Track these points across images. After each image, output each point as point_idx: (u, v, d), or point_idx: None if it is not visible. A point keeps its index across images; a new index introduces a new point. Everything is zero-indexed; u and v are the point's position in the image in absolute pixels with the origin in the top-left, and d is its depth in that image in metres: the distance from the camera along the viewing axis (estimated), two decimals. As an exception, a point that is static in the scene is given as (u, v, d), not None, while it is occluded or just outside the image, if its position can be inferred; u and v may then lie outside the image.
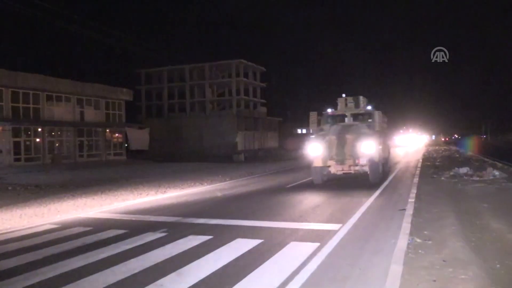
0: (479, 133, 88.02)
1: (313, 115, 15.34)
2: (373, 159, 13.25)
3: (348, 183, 14.18)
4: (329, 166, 13.80)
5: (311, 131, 15.74)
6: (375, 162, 13.35)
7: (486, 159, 24.31)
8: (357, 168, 13.60)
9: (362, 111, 15.58)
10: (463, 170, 16.31)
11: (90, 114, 35.02)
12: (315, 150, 13.71)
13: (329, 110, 15.90)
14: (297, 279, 4.70)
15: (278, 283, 4.59)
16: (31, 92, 29.66)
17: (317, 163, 13.66)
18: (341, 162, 13.55)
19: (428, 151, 41.53)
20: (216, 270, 5.11)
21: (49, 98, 31.37)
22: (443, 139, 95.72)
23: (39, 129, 30.21)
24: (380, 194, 11.62)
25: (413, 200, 9.89)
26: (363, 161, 13.26)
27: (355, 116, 15.56)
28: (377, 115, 14.62)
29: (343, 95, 16.00)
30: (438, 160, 25.39)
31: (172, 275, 4.99)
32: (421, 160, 25.20)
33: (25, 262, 5.77)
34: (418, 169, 19.00)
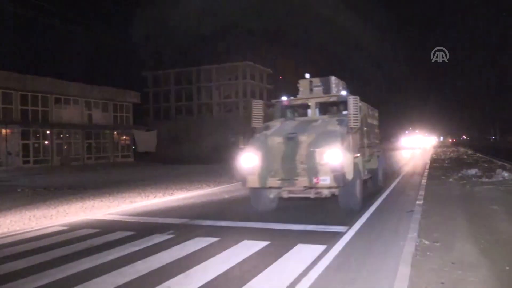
0: (488, 134, 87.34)
1: (257, 106, 10.27)
2: (342, 175, 7.91)
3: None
4: (271, 188, 8.82)
5: (253, 131, 9.95)
6: (346, 180, 8.07)
7: (495, 161, 24.09)
8: (318, 191, 8.65)
9: (333, 99, 10.18)
10: (472, 171, 16.18)
11: (98, 117, 35.30)
12: (248, 162, 8.64)
13: (283, 98, 10.53)
14: (304, 281, 4.69)
15: (285, 285, 4.57)
16: (40, 95, 29.98)
17: (252, 182, 8.63)
18: (289, 181, 8.33)
19: (436, 152, 41.27)
20: (223, 272, 5.12)
21: (57, 101, 31.68)
22: (450, 140, 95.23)
23: (48, 132, 30.51)
24: (388, 195, 11.56)
25: (421, 201, 9.81)
26: (324, 179, 7.97)
27: (323, 107, 10.43)
28: (353, 103, 8.69)
29: (307, 76, 10.83)
30: (446, 162, 25.20)
31: (180, 277, 5.00)
32: (429, 162, 25.02)
33: (33, 263, 5.81)
34: (426, 170, 18.86)
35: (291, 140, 8.40)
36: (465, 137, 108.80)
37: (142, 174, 22.82)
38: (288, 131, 8.83)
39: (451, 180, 14.62)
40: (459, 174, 15.93)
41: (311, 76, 10.75)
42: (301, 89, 10.79)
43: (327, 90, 10.51)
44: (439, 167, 21.08)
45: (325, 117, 9.87)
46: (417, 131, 73.36)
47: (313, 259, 5.53)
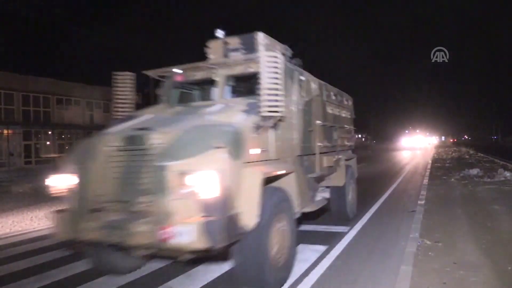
0: (490, 135, 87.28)
1: (123, 82, 6.39)
2: (225, 221, 3.71)
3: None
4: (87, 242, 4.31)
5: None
6: (238, 230, 3.92)
7: (496, 160, 24.06)
8: (173, 240, 3.68)
9: (253, 67, 5.40)
10: (474, 171, 16.15)
11: (100, 117, 35.32)
12: (58, 190, 4.64)
13: (175, 70, 6.40)
14: (306, 281, 4.69)
15: (287, 286, 4.58)
16: (41, 95, 30.01)
17: (62, 230, 4.38)
18: (119, 230, 3.91)
19: (438, 152, 41.22)
20: (225, 272, 5.12)
21: (59, 101, 31.71)
22: (451, 140, 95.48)
23: (49, 132, 30.54)
24: (390, 196, 11.56)
25: (423, 202, 9.79)
26: (182, 230, 3.63)
27: (240, 82, 5.95)
28: (271, 63, 4.30)
29: (218, 32, 5.89)
30: (447, 162, 25.18)
31: (181, 277, 5.01)
32: (430, 162, 25.00)
33: (35, 264, 5.83)
34: (428, 170, 18.84)
35: (132, 142, 4.23)
36: (466, 137, 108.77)
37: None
38: (141, 125, 4.61)
39: (452, 180, 14.60)
40: (461, 174, 15.90)
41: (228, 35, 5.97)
42: (210, 53, 6.10)
43: (248, 51, 5.73)
44: (440, 167, 21.05)
45: (238, 100, 5.41)
46: (417, 131, 73.32)
47: (314, 259, 5.54)
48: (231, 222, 3.81)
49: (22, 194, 14.68)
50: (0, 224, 8.94)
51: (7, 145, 26.72)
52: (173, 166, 3.82)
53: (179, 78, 6.52)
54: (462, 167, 19.07)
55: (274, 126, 4.84)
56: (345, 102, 9.17)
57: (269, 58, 4.32)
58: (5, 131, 27.49)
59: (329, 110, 7.58)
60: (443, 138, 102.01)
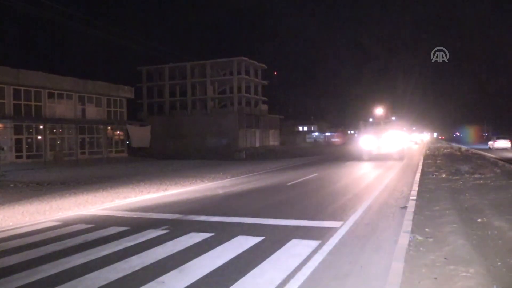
0: (481, 132, 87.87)
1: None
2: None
3: (351, 181, 14.16)
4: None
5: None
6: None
7: (487, 157, 24.28)
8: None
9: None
10: (465, 167, 16.30)
11: (92, 112, 35.10)
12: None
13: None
14: (299, 276, 4.71)
15: (279, 280, 4.59)
16: (32, 89, 29.73)
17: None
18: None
19: (430, 148, 41.48)
20: (217, 267, 5.12)
21: (50, 95, 31.44)
22: (440, 137, 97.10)
23: (41, 127, 30.28)
24: (381, 192, 11.63)
25: (414, 197, 9.88)
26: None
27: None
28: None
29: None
30: (439, 158, 25.36)
31: (174, 272, 5.00)
32: (422, 158, 25.18)
33: (26, 259, 5.79)
34: (420, 167, 18.98)
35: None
36: (458, 134, 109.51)
37: (136, 170, 22.75)
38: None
39: (444, 176, 14.72)
40: (452, 170, 16.04)
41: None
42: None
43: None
44: (432, 163, 21.20)
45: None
46: (413, 128, 73.92)
47: (307, 254, 5.56)
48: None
49: (13, 189, 14.56)
50: (-10, 219, 8.87)
51: (-2, 139, 26.45)
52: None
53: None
54: (454, 163, 19.23)
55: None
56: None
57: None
58: (-4, 125, 27.23)
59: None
60: (435, 134, 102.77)
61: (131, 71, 54.60)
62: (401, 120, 29.85)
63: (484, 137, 76.39)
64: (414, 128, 72.24)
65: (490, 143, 43.04)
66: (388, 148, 24.45)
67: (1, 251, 6.27)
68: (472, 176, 14.20)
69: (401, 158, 24.53)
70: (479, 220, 7.27)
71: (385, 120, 27.01)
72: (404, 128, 34.24)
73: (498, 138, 41.43)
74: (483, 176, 13.99)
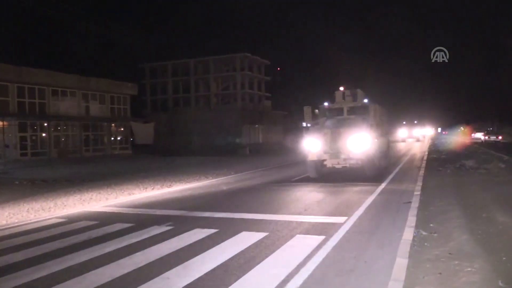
0: (486, 126, 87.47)
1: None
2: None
3: (352, 176, 14.12)
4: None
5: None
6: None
7: (492, 152, 24.17)
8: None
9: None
10: (469, 163, 16.23)
11: (96, 109, 35.15)
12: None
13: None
14: (303, 272, 4.71)
15: (283, 276, 4.60)
16: (36, 87, 29.80)
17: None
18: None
19: (434, 144, 41.35)
20: (221, 263, 5.13)
21: (54, 93, 31.49)
22: (443, 133, 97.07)
23: (45, 124, 30.37)
24: (386, 187, 11.61)
25: (418, 192, 9.86)
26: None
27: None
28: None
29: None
30: (443, 154, 25.26)
31: (178, 268, 5.01)
32: (427, 153, 25.09)
33: (32, 256, 5.82)
34: (424, 161, 18.92)
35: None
36: (463, 129, 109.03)
37: (140, 166, 22.81)
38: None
39: (448, 171, 14.67)
40: (457, 166, 15.98)
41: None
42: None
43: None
44: (436, 158, 21.13)
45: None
46: (415, 122, 73.29)
47: (311, 249, 5.56)
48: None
49: (18, 186, 14.63)
50: (-4, 216, 8.93)
51: (2, 137, 26.56)
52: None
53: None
54: (458, 158, 19.15)
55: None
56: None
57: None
58: (1, 123, 27.32)
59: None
60: (439, 129, 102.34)
61: (134, 68, 54.61)
62: (382, 106, 17.61)
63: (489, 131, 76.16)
64: (416, 122, 71.66)
65: (473, 135, 62.85)
66: (356, 154, 13.19)
67: (7, 248, 6.31)
68: (477, 171, 14.14)
69: (378, 175, 13.76)
70: (484, 215, 7.24)
71: (352, 104, 15.12)
72: (389, 119, 21.12)
73: (477, 132, 62.69)
74: (487, 171, 13.93)
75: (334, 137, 13.49)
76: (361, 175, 13.59)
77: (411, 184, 11.89)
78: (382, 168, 15.47)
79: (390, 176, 14.16)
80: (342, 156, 13.41)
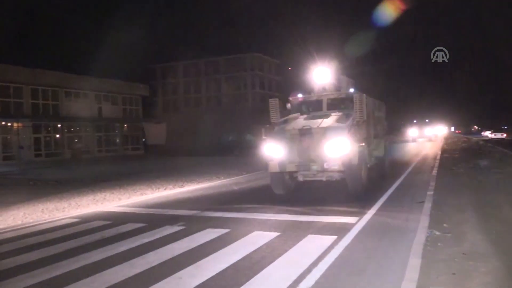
0: (499, 125, 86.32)
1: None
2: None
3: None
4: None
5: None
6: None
7: (506, 151, 23.83)
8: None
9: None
10: (483, 162, 16.03)
11: (108, 110, 35.51)
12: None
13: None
14: (315, 272, 4.69)
15: (295, 276, 4.59)
16: (50, 89, 30.23)
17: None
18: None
19: (447, 143, 40.91)
20: (233, 263, 5.14)
21: (67, 94, 31.91)
22: (457, 132, 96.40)
23: (59, 125, 30.78)
24: (398, 186, 11.50)
25: (432, 192, 9.75)
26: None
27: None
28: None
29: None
30: (457, 152, 24.98)
31: (190, 268, 5.04)
32: (439, 152, 24.83)
33: (46, 255, 5.90)
34: (437, 161, 18.72)
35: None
36: (476, 128, 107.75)
37: (152, 167, 22.95)
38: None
39: (461, 170, 14.50)
40: (470, 165, 15.80)
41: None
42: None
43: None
44: (449, 157, 20.90)
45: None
46: (427, 120, 72.31)
47: (323, 250, 5.54)
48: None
49: (33, 187, 14.84)
50: (12, 216, 9.07)
51: (17, 138, 26.99)
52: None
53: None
54: (471, 157, 18.92)
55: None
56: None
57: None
58: (15, 125, 27.76)
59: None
60: (452, 128, 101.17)
61: (146, 69, 55.01)
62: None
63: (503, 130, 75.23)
64: (427, 121, 70.67)
65: (482, 133, 69.85)
66: (333, 165, 9.25)
67: (22, 247, 6.41)
68: (491, 170, 13.96)
69: (369, 192, 10.15)
70: (498, 215, 7.14)
71: (334, 95, 11.24)
72: (387, 116, 15.69)
73: (486, 130, 68.48)
74: (501, 170, 13.74)
75: (304, 140, 9.49)
76: (344, 190, 9.89)
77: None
78: (376, 180, 11.88)
79: (387, 194, 10.15)
80: (314, 167, 9.44)
